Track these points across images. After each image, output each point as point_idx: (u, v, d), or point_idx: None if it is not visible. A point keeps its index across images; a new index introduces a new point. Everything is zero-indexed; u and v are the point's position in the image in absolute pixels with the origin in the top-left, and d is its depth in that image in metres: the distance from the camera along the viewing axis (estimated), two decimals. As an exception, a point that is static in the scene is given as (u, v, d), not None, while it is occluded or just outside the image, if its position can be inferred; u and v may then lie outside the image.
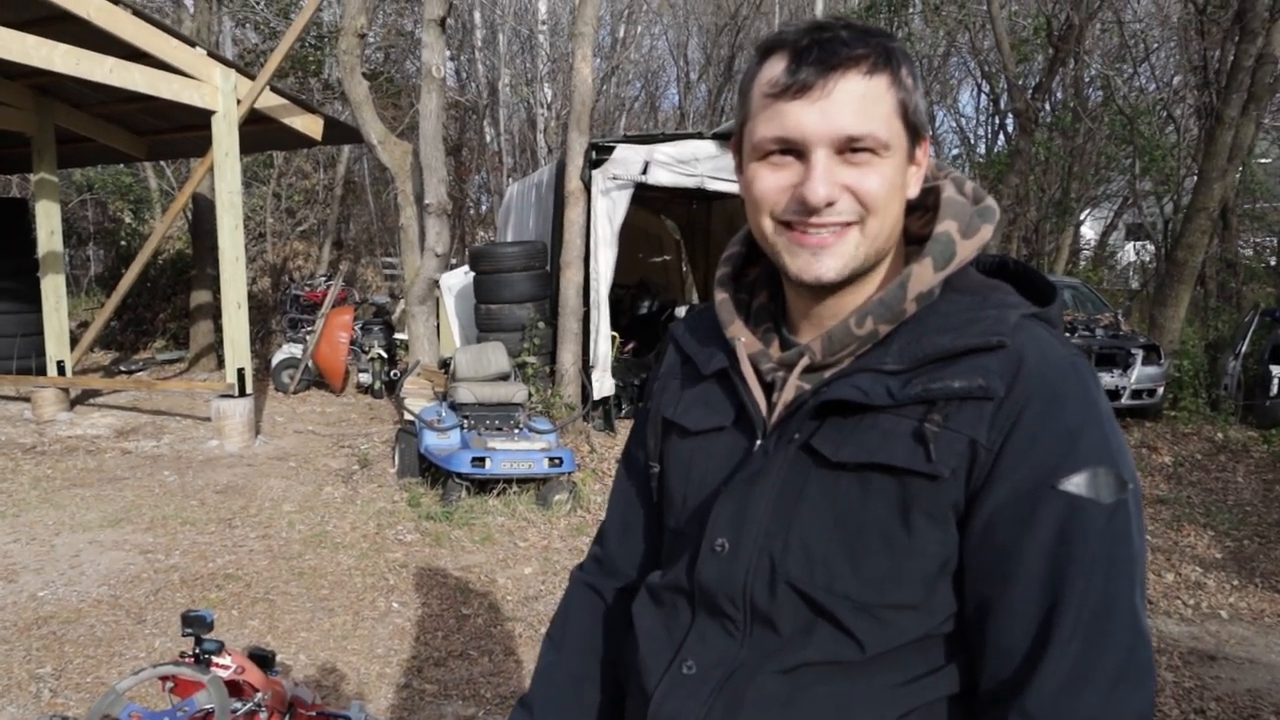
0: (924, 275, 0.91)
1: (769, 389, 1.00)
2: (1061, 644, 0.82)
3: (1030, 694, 0.82)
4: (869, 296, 0.94)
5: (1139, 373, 8.78)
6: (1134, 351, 8.84)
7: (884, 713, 0.90)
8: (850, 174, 0.89)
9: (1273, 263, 15.02)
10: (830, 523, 0.90)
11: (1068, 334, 8.69)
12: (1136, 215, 16.86)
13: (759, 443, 0.97)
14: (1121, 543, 0.83)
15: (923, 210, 1.00)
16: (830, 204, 0.89)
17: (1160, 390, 8.94)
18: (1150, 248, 16.43)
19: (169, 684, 2.49)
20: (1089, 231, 20.61)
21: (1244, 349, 9.17)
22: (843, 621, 0.90)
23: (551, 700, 1.17)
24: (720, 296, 1.08)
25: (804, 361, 0.96)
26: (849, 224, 0.90)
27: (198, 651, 2.40)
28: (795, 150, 0.90)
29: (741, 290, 1.09)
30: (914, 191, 0.95)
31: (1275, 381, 8.57)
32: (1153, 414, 8.94)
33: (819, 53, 0.87)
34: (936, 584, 0.89)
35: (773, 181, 0.92)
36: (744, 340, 1.03)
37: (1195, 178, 10.70)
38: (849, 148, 0.88)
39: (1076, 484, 0.83)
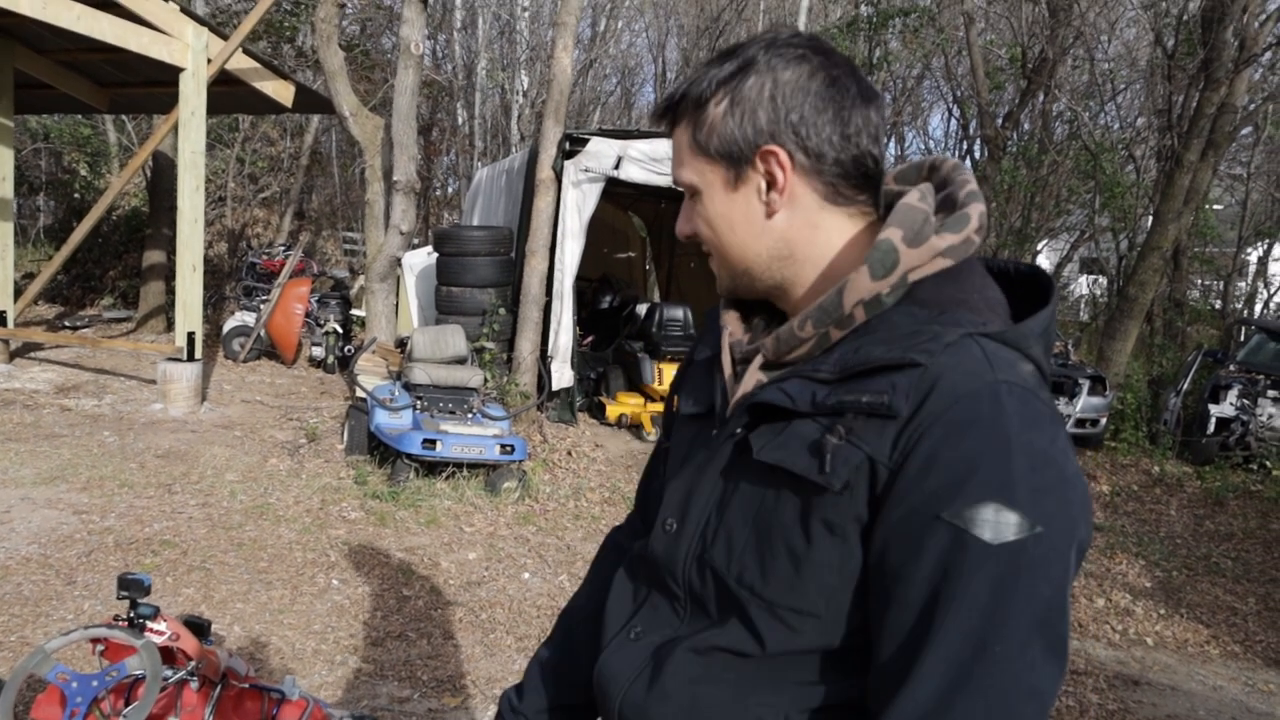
0: (860, 283, 0.90)
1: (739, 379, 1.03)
2: (924, 678, 0.79)
3: (887, 718, 0.81)
4: (812, 300, 0.97)
5: (1084, 402, 8.99)
6: (1081, 381, 9.04)
7: (777, 706, 0.92)
8: (694, 211, 1.02)
9: (1217, 305, 15.47)
10: (751, 518, 0.93)
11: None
12: (1092, 250, 17.25)
13: (714, 432, 1.01)
14: (1014, 589, 0.78)
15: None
16: (687, 236, 1.04)
17: (1103, 421, 9.15)
18: (1103, 282, 16.82)
19: (99, 647, 2.43)
20: (1044, 262, 21.04)
21: (1185, 387, 9.43)
22: (750, 615, 0.93)
23: (561, 636, 1.30)
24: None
25: (759, 358, 0.98)
26: (710, 254, 1.03)
27: (132, 615, 2.34)
28: None
29: None
30: (779, 207, 0.96)
31: (1212, 420, 8.83)
32: (1094, 443, 9.15)
33: (657, 113, 1.03)
34: (839, 597, 0.88)
35: None
36: (730, 329, 1.06)
37: (1151, 217, 10.97)
38: (686, 192, 1.02)
39: (965, 519, 0.78)
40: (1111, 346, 10.37)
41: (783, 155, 0.94)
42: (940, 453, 0.81)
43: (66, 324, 11.03)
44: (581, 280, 8.78)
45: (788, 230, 0.97)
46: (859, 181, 0.96)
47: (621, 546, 1.30)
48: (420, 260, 9.31)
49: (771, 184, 0.95)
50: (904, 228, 0.91)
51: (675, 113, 1.00)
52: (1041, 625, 0.79)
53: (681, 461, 1.07)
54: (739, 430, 0.96)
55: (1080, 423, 9.00)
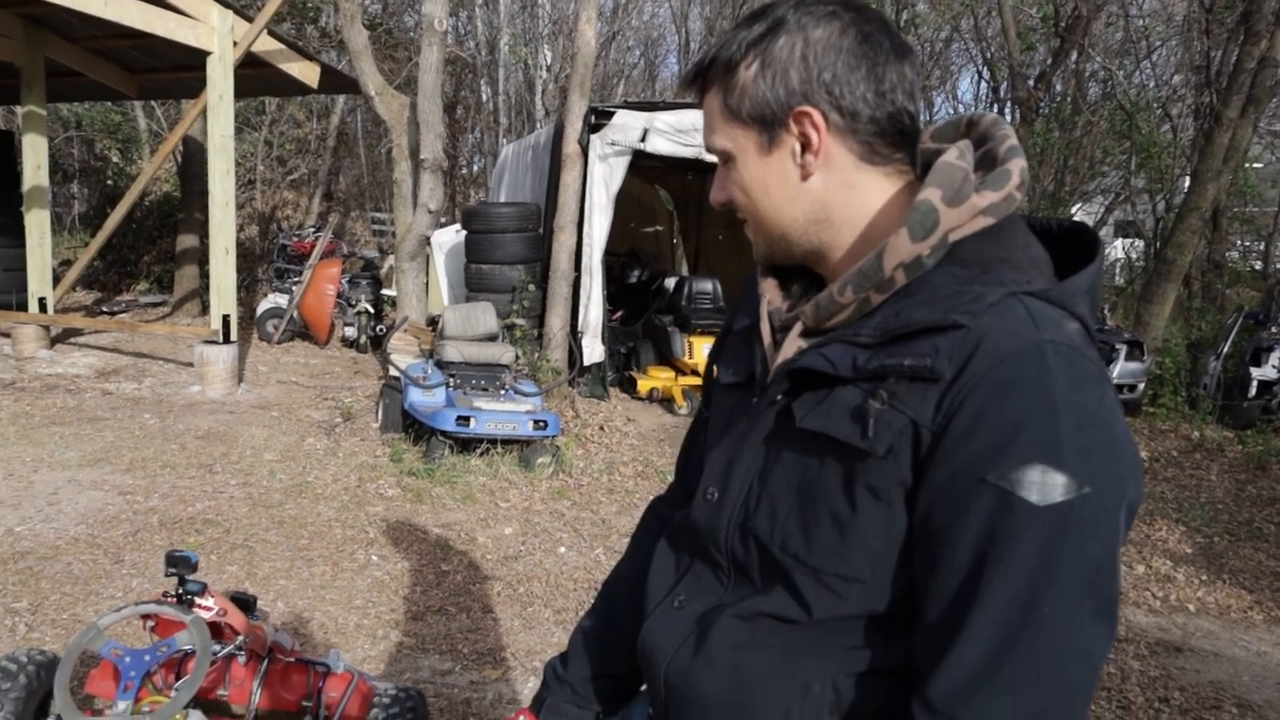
0: (900, 245, 0.88)
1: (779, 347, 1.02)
2: (971, 640, 0.79)
3: (935, 683, 0.81)
4: (851, 263, 0.95)
5: (1121, 367, 8.85)
6: (1118, 346, 8.91)
7: (824, 671, 0.92)
8: (731, 177, 1.00)
9: (1258, 266, 15.14)
10: (794, 486, 0.93)
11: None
12: (1128, 212, 16.93)
13: (754, 400, 1.01)
14: (1062, 550, 0.77)
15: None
16: (722, 204, 1.02)
17: (1141, 386, 9.01)
18: (1140, 245, 16.52)
19: (150, 623, 2.49)
20: (1079, 226, 20.65)
21: (1225, 350, 9.25)
22: (795, 582, 0.93)
23: (604, 606, 1.33)
24: None
25: (798, 325, 0.98)
26: (745, 221, 1.02)
27: (180, 592, 2.40)
28: None
29: None
30: (814, 169, 0.94)
31: (1254, 384, 8.66)
32: (1132, 409, 9.02)
33: (686, 79, 1.02)
34: (884, 561, 0.88)
35: None
36: (768, 297, 1.05)
37: (1189, 177, 10.73)
38: (720, 159, 1.01)
39: (1011, 480, 0.78)
40: (1149, 310, 10.19)
41: (816, 115, 0.92)
42: (985, 414, 0.80)
43: (104, 309, 11.21)
44: (609, 255, 8.76)
45: (824, 193, 0.95)
46: (895, 139, 0.94)
47: (663, 516, 1.31)
48: (449, 238, 9.34)
49: (806, 145, 0.94)
50: (943, 187, 0.89)
51: (705, 78, 0.99)
52: (1091, 587, 0.79)
53: (722, 430, 1.07)
54: (780, 397, 0.95)
55: (1118, 388, 8.85)
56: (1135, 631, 4.25)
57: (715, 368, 1.17)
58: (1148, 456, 7.62)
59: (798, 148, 0.94)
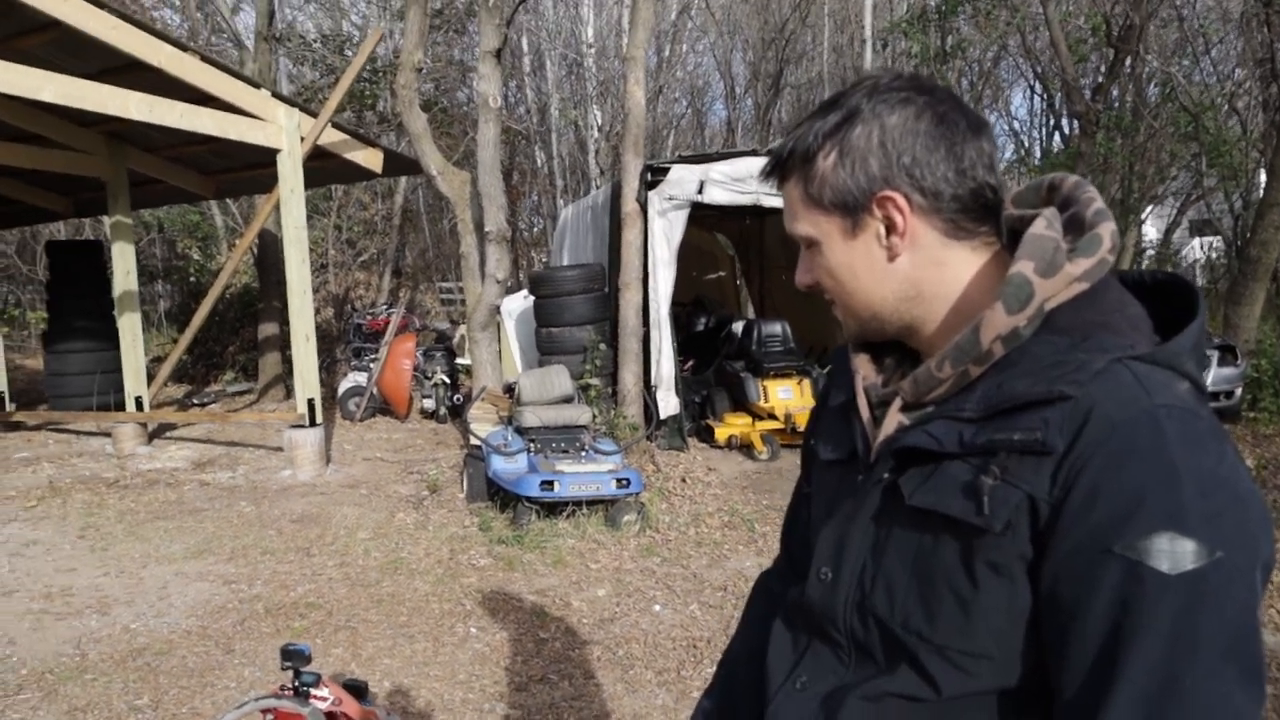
0: (996, 319, 0.89)
1: (879, 423, 1.02)
2: (1114, 713, 0.77)
3: None
4: (946, 337, 0.96)
5: (1214, 374, 8.53)
6: (1208, 353, 8.60)
7: None
8: (814, 262, 1.02)
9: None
10: (910, 564, 0.92)
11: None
12: (1202, 211, 16.42)
13: (860, 478, 1.01)
14: (1197, 616, 0.76)
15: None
16: (809, 287, 1.05)
17: (1238, 392, 8.67)
18: (1219, 244, 15.98)
19: (269, 717, 2.55)
20: (1151, 230, 20.12)
21: (1325, 346, 8.86)
22: (921, 660, 0.92)
23: (723, 684, 1.32)
24: None
25: (897, 401, 0.98)
26: (832, 303, 1.04)
27: (296, 684, 2.45)
28: None
29: None
30: (900, 250, 0.96)
31: (1360, 379, 8.27)
32: (1231, 416, 8.67)
33: (765, 172, 1.04)
34: (1009, 636, 0.87)
35: None
36: (863, 373, 1.06)
37: (1265, 171, 10.39)
38: (804, 244, 1.02)
39: (1139, 550, 0.77)
40: (1238, 312, 9.82)
41: (900, 199, 0.93)
42: (1103, 485, 0.79)
43: (195, 401, 11.65)
44: (675, 305, 8.83)
45: (912, 271, 0.96)
46: (979, 214, 0.95)
47: (772, 591, 1.31)
48: (517, 305, 9.52)
49: (891, 228, 0.95)
50: (1035, 259, 0.90)
51: (784, 169, 1.01)
52: (1232, 652, 0.77)
53: (829, 508, 1.07)
54: (886, 475, 0.95)
55: (1213, 396, 8.54)
56: (1268, 653, 4.04)
57: (814, 442, 1.17)
58: (1254, 465, 7.29)
59: (882, 231, 0.96)
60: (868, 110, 0.94)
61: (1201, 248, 17.97)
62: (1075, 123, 13.48)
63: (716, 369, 9.82)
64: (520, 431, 6.63)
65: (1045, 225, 0.92)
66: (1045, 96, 17.05)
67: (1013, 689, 0.89)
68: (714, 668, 4.07)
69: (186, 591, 5.04)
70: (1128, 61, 12.67)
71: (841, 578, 1.00)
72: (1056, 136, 18.19)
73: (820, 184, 0.97)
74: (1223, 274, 14.62)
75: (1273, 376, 8.89)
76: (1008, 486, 0.84)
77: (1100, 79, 13.48)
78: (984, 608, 0.87)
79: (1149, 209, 17.40)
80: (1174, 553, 0.76)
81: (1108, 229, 0.92)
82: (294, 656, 2.45)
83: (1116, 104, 14.28)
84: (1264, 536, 0.80)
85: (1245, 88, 14.03)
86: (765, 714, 1.09)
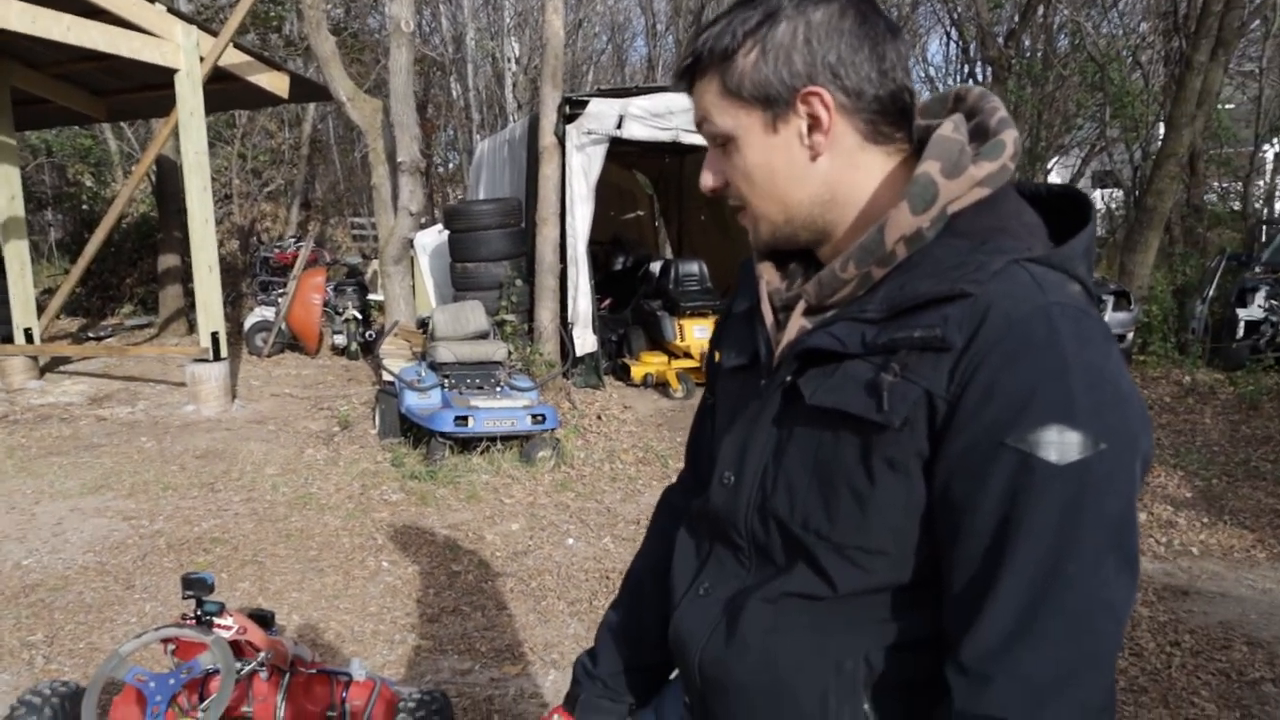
0: (901, 219, 0.89)
1: (781, 327, 1.02)
2: (1004, 599, 0.81)
3: (967, 646, 0.83)
4: (852, 241, 0.95)
5: (1109, 318, 8.90)
6: (1104, 298, 8.95)
7: (855, 647, 0.93)
8: (727, 163, 0.99)
9: (1237, 207, 15.21)
10: (810, 463, 0.93)
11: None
12: (1105, 162, 16.96)
13: (762, 382, 1.01)
14: (1083, 506, 0.79)
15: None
16: (714, 190, 1.01)
17: (1130, 335, 9.08)
18: (1119, 195, 16.57)
19: (171, 646, 2.50)
20: (1056, 179, 20.74)
21: (1211, 293, 9.31)
22: (818, 559, 0.94)
23: (628, 597, 1.34)
24: None
25: (801, 304, 0.98)
26: (741, 208, 1.00)
27: (199, 613, 2.41)
28: None
29: None
30: (822, 149, 0.94)
31: (1241, 324, 8.73)
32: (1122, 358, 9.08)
33: (678, 72, 1.01)
34: (905, 532, 0.89)
35: None
36: (766, 278, 1.05)
37: (1164, 124, 10.76)
38: (716, 143, 0.98)
39: (1030, 441, 0.79)
40: (1133, 259, 10.24)
41: (826, 95, 0.92)
42: (999, 380, 0.81)
43: (90, 335, 11.15)
44: (593, 244, 8.76)
45: (830, 173, 0.95)
46: (896, 118, 0.95)
47: (674, 505, 1.32)
48: (432, 239, 9.32)
49: (815, 126, 0.93)
50: (941, 159, 0.91)
51: (698, 67, 0.97)
52: (1112, 540, 0.81)
53: (732, 414, 1.07)
54: (788, 378, 0.96)
55: (1107, 339, 8.92)
56: (1142, 579, 4.29)
57: (717, 353, 1.16)
58: (1141, 405, 7.68)
59: (805, 129, 0.94)
60: (790, 7, 0.92)
61: (1103, 198, 18.62)
62: (989, 69, 13.71)
63: (634, 308, 9.82)
64: (434, 367, 6.55)
65: (952, 129, 0.93)
66: (960, 42, 17.26)
67: (906, 585, 0.92)
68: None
69: (83, 528, 4.87)
70: (1040, 10, 12.90)
71: (744, 481, 1.01)
72: (971, 84, 18.46)
73: (740, 77, 0.94)
74: (1121, 223, 15.19)
75: (1162, 321, 9.33)
76: (907, 383, 0.86)
77: (1013, 26, 13.71)
78: (881, 504, 0.89)
79: (1055, 159, 17.91)
80: (1062, 444, 0.79)
81: (1010, 135, 0.93)
82: (196, 585, 2.40)
83: (1029, 53, 14.57)
84: (1143, 431, 0.84)
85: (1149, 41, 14.44)
86: (670, 622, 1.11)
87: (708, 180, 1.01)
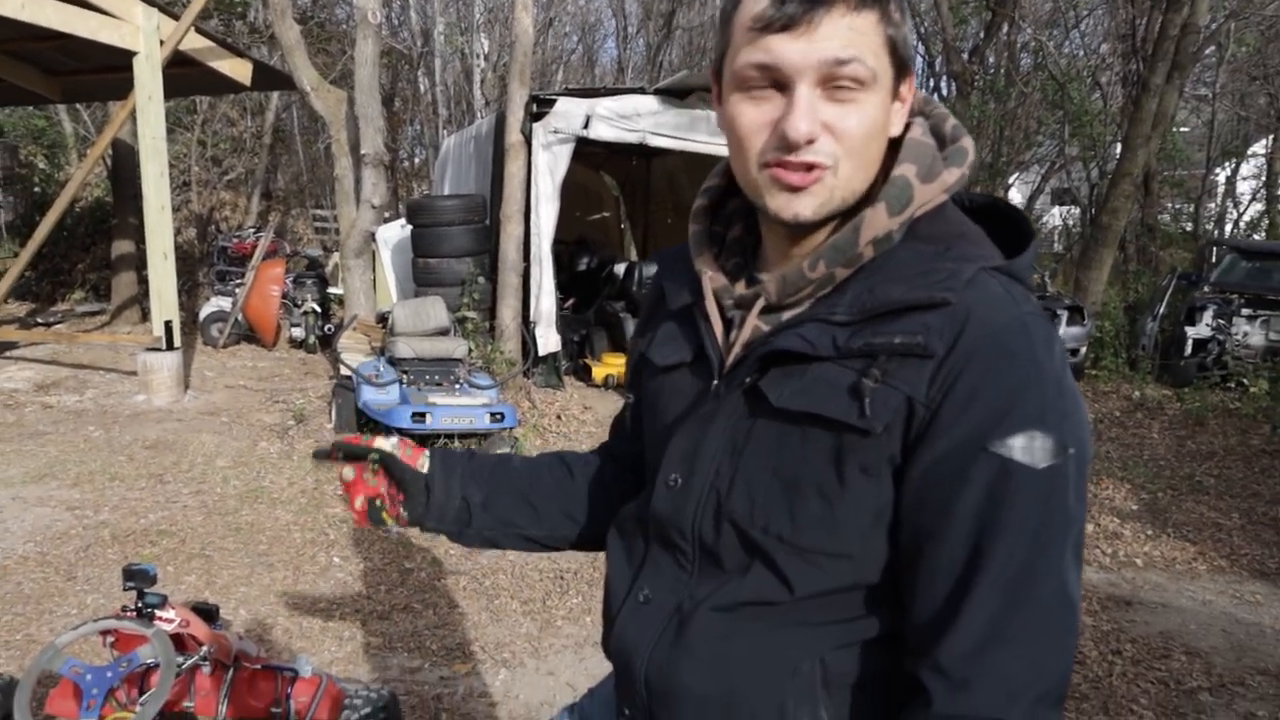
0: (877, 220, 0.88)
1: (730, 326, 0.99)
2: (979, 602, 0.82)
3: (945, 648, 0.83)
4: (826, 236, 0.93)
5: (1063, 332, 9.06)
6: (1059, 312, 9.12)
7: (812, 648, 0.93)
8: (832, 111, 0.85)
9: (1189, 228, 15.59)
10: (772, 466, 0.92)
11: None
12: (1063, 180, 17.29)
13: (715, 382, 0.98)
14: (1053, 508, 0.82)
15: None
16: (811, 141, 0.85)
17: (1083, 350, 9.25)
18: (1076, 212, 16.89)
19: (110, 639, 2.44)
20: (1016, 195, 21.08)
21: (1161, 311, 9.52)
22: (776, 562, 0.92)
23: (492, 470, 1.35)
24: (694, 228, 1.06)
25: (760, 302, 0.95)
26: (824, 167, 0.87)
27: (140, 605, 2.36)
28: (778, 82, 0.86)
29: (718, 222, 1.07)
30: (897, 129, 0.92)
31: (1189, 342, 8.94)
32: (1075, 373, 9.24)
33: None
34: (871, 536, 0.89)
35: (754, 117, 0.88)
36: (710, 275, 1.02)
37: (1120, 144, 10.99)
38: (834, 81, 0.84)
39: (1010, 447, 0.81)
40: (1087, 275, 10.45)
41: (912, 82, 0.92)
42: (981, 386, 0.83)
43: (39, 320, 10.89)
44: (558, 243, 8.73)
45: (880, 156, 0.93)
46: None
47: (563, 458, 1.33)
48: (394, 233, 9.23)
49: (902, 105, 0.92)
50: (917, 163, 0.91)
51: None
52: (1073, 540, 0.84)
53: (673, 415, 1.03)
54: (748, 379, 0.94)
55: (1060, 353, 9.07)
56: (1087, 588, 4.37)
57: (646, 349, 1.12)
58: (1092, 418, 7.83)
59: (899, 104, 0.92)
60: None
61: (1061, 216, 18.97)
62: (953, 84, 13.90)
63: (597, 309, 9.80)
64: (393, 362, 6.48)
65: (922, 132, 0.93)
66: (926, 56, 17.49)
67: (864, 585, 0.92)
68: (579, 599, 4.11)
69: (24, 517, 4.75)
70: (1004, 28, 13.10)
71: (693, 484, 0.98)
72: (935, 98, 18.72)
73: (898, 29, 0.88)
74: (1077, 240, 15.48)
75: (1114, 337, 9.53)
76: (888, 389, 0.85)
77: (978, 42, 13.92)
78: (850, 508, 0.89)
79: (1015, 175, 18.21)
80: (1038, 449, 0.81)
81: (969, 143, 0.94)
82: (137, 576, 2.35)
83: (992, 70, 14.81)
84: (1089, 435, 0.87)
85: (1108, 63, 14.76)
86: (611, 632, 1.08)
87: (804, 126, 0.85)
